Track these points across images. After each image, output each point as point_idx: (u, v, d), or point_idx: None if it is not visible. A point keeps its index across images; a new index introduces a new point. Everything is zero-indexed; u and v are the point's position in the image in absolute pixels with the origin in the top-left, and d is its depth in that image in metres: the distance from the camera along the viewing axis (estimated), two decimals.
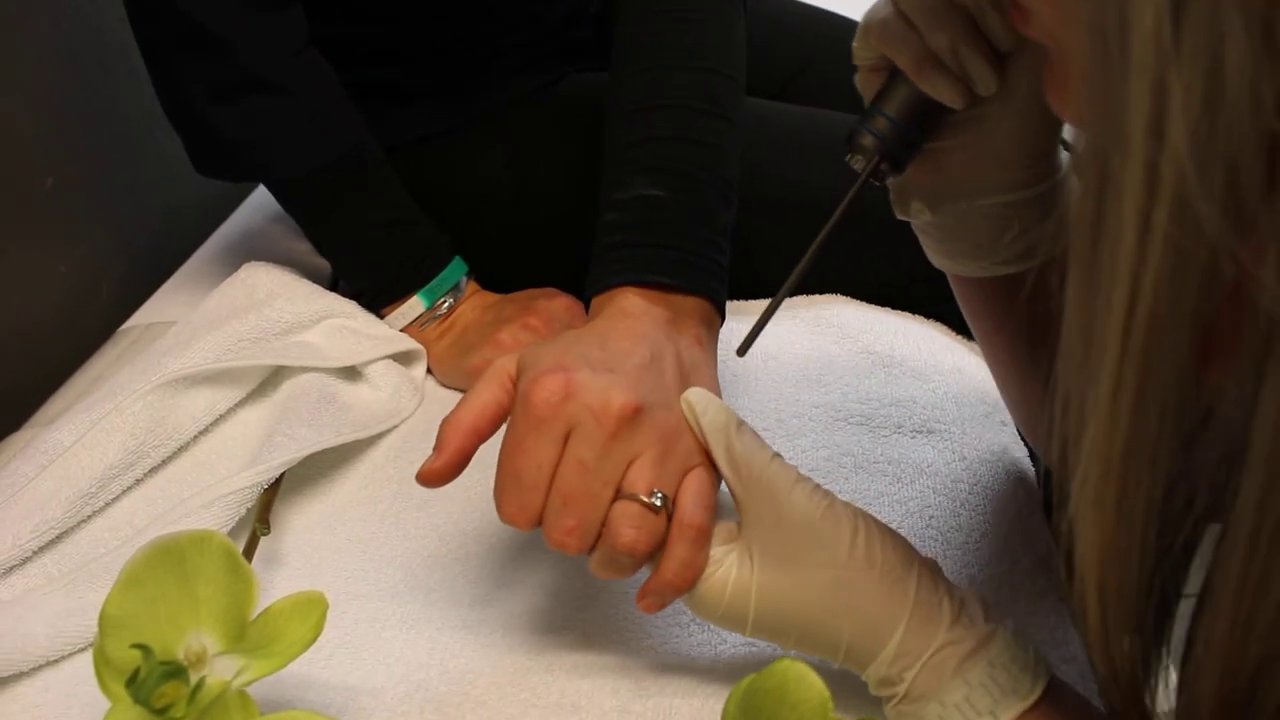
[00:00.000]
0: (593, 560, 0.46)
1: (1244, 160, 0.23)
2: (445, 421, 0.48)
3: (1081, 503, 0.31)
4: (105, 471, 0.62)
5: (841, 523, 0.43)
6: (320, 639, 0.43)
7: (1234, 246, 0.24)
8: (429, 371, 0.76)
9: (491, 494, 0.56)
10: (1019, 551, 0.58)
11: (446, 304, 0.75)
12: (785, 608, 0.43)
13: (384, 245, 0.75)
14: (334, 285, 0.81)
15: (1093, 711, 0.41)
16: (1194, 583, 0.34)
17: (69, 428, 0.64)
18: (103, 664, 0.41)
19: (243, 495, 0.59)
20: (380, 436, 0.69)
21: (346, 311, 0.74)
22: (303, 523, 0.63)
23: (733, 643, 0.53)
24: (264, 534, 0.57)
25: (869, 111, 0.45)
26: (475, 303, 0.76)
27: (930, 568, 0.44)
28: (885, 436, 0.67)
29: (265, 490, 0.60)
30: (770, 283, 0.82)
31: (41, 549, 0.59)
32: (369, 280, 0.76)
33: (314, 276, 0.78)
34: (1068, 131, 0.45)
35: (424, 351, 0.76)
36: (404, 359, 0.75)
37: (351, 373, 0.72)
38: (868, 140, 0.45)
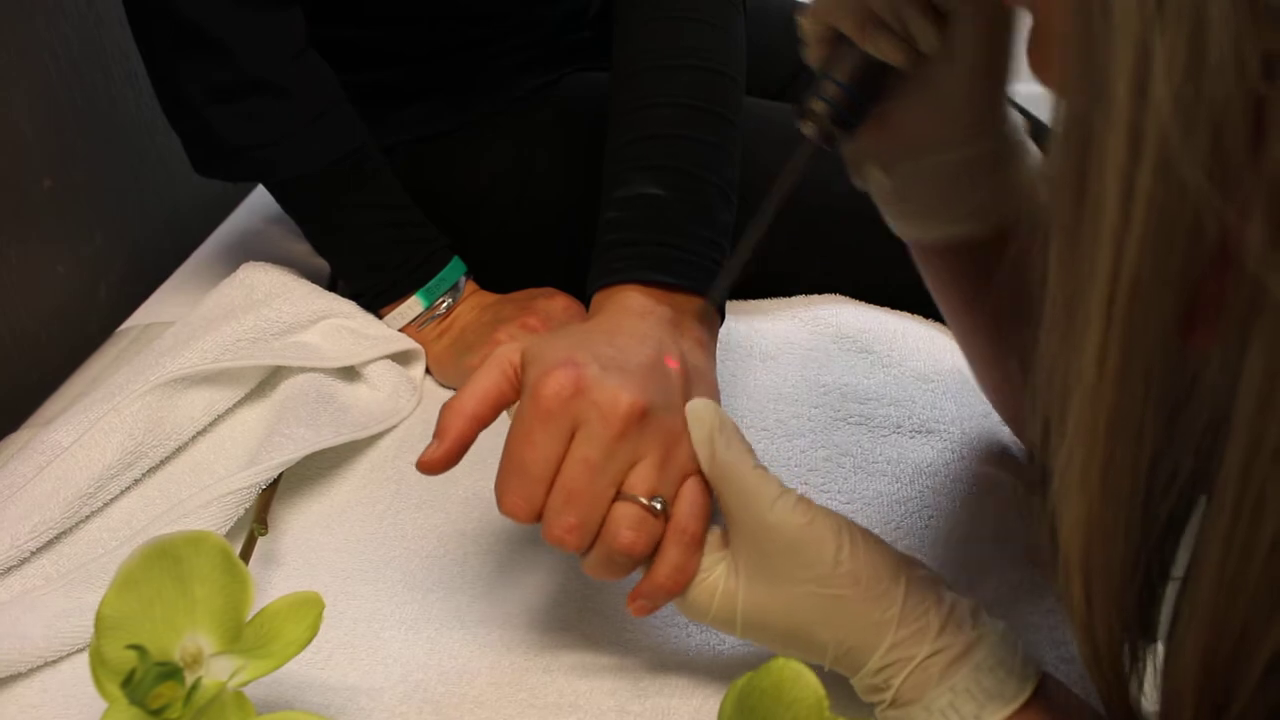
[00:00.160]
0: (588, 559, 0.46)
1: (1228, 122, 0.23)
2: (446, 408, 0.48)
3: (1066, 478, 0.31)
4: (103, 472, 0.61)
5: (824, 538, 0.43)
6: (318, 639, 0.43)
7: (1219, 207, 0.24)
8: (427, 371, 0.76)
9: (488, 496, 0.56)
10: (1017, 551, 0.58)
11: (445, 304, 0.75)
12: (770, 617, 0.44)
13: (383, 246, 0.75)
14: (332, 285, 0.81)
15: (1090, 712, 0.41)
16: (1181, 566, 0.33)
17: (67, 428, 0.64)
18: (99, 665, 0.40)
19: (241, 495, 0.59)
20: (379, 436, 0.69)
21: (345, 311, 0.74)
22: (301, 523, 0.63)
23: (731, 643, 0.53)
24: (261, 534, 0.57)
25: (818, 78, 0.46)
26: (474, 303, 0.76)
27: (920, 575, 0.43)
28: (884, 436, 0.66)
29: (263, 490, 0.60)
30: (771, 282, 0.83)
31: (39, 550, 0.59)
32: (368, 280, 0.76)
33: (313, 277, 0.78)
34: (1035, 99, 0.45)
35: (422, 351, 0.76)
36: (402, 359, 0.75)
37: (350, 373, 0.72)
38: (818, 106, 0.45)
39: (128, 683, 0.39)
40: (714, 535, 0.46)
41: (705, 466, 0.46)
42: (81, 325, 0.88)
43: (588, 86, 0.82)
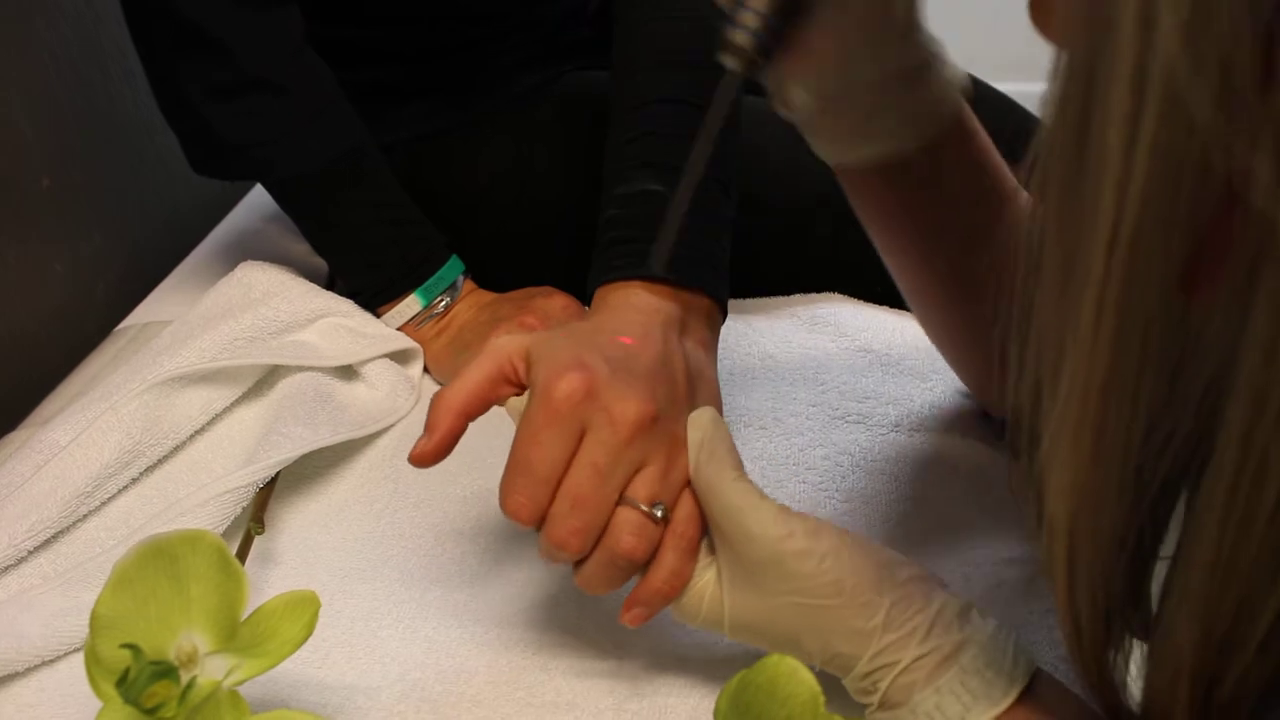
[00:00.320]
0: (586, 564, 0.46)
1: (1238, 57, 0.23)
2: (436, 400, 0.48)
3: (1056, 440, 0.30)
4: (101, 471, 0.61)
5: (804, 550, 0.43)
6: (316, 638, 0.43)
7: (1228, 143, 0.23)
8: (426, 370, 0.76)
9: (485, 494, 0.56)
10: (1016, 550, 0.58)
11: (443, 303, 0.75)
12: (756, 624, 0.44)
13: (381, 244, 0.75)
14: (330, 284, 0.81)
15: (1086, 710, 0.41)
16: (1171, 545, 0.33)
17: (65, 427, 0.64)
18: (94, 664, 0.40)
19: (238, 494, 0.59)
20: (376, 435, 0.69)
21: (343, 310, 0.74)
22: (299, 522, 0.63)
23: (728, 642, 0.52)
24: (258, 533, 0.57)
25: (734, 9, 0.46)
26: (472, 301, 0.76)
27: (909, 576, 0.43)
28: (883, 435, 0.66)
29: (261, 489, 0.60)
30: (772, 280, 0.83)
31: (37, 549, 0.59)
32: (366, 279, 0.76)
33: (311, 276, 0.78)
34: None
35: (420, 350, 0.76)
36: (401, 358, 0.75)
37: (348, 371, 0.72)
38: (739, 37, 0.45)
39: (122, 682, 0.39)
40: (704, 541, 0.47)
41: (691, 477, 0.46)
42: (80, 324, 0.88)
43: (587, 85, 0.82)
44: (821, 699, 0.38)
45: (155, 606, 0.41)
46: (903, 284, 0.58)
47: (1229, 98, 0.23)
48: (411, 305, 0.75)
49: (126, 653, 0.40)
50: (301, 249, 0.87)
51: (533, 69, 0.83)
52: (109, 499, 0.63)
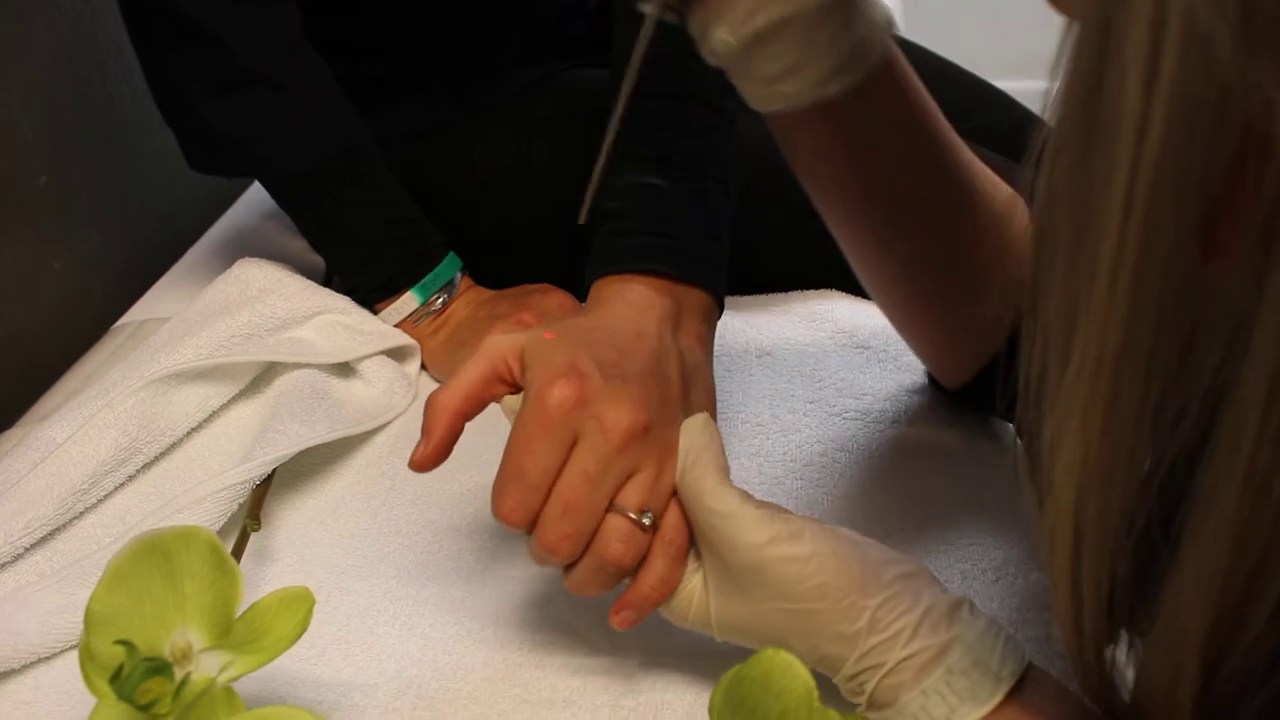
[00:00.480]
0: (576, 569, 0.46)
1: None
2: (432, 402, 0.48)
3: (1067, 416, 0.30)
4: (97, 468, 0.61)
5: (786, 556, 0.43)
6: (312, 635, 0.43)
7: (1249, 76, 0.23)
8: (423, 367, 0.76)
9: (482, 491, 0.56)
10: (1014, 546, 0.58)
11: (440, 300, 0.75)
12: (742, 627, 0.45)
13: (378, 241, 0.75)
14: (328, 281, 0.81)
15: (1081, 708, 0.41)
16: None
17: (61, 424, 0.63)
18: (88, 661, 0.40)
19: (234, 491, 0.59)
20: (374, 432, 0.69)
21: (340, 307, 0.74)
22: (295, 519, 0.63)
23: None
24: (254, 530, 0.57)
25: None
26: (469, 298, 0.76)
27: (898, 575, 0.43)
28: (880, 430, 0.66)
29: (257, 486, 0.60)
30: (772, 277, 0.83)
31: (33, 546, 0.59)
32: (363, 276, 0.76)
33: (308, 273, 0.78)
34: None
35: (418, 347, 0.76)
36: (398, 355, 0.75)
37: (345, 369, 0.72)
38: None
39: (116, 678, 0.39)
40: (694, 546, 0.47)
41: (676, 484, 0.47)
42: (77, 322, 0.88)
43: (586, 82, 0.82)
44: (815, 693, 0.38)
45: (149, 603, 0.41)
46: (848, 253, 0.57)
47: (1250, 31, 0.23)
48: (409, 302, 0.75)
49: (121, 649, 0.40)
50: (299, 246, 0.87)
51: (531, 65, 0.82)
52: (106, 496, 0.63)
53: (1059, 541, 0.33)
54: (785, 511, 0.45)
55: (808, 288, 0.81)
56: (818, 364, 0.73)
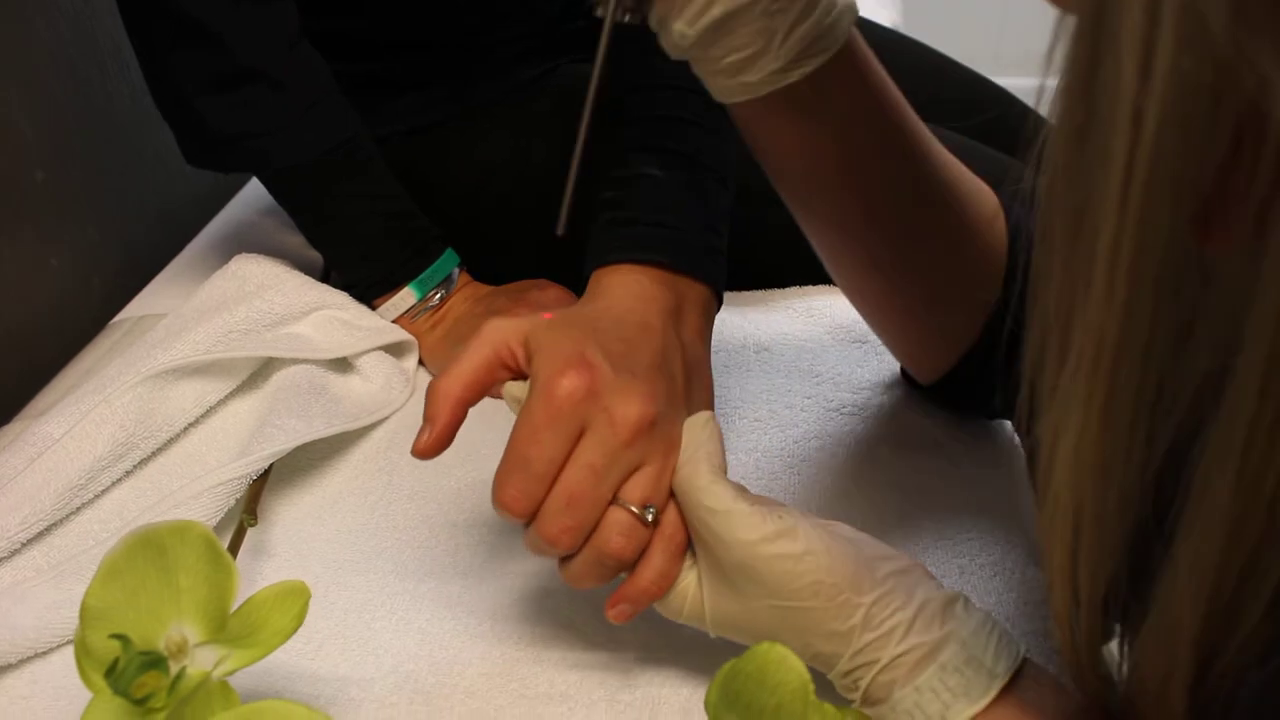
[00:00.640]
0: (574, 561, 0.46)
1: None
2: (434, 389, 0.47)
3: (1066, 407, 0.30)
4: (94, 463, 0.61)
5: (778, 553, 0.42)
6: (309, 629, 0.43)
7: (1245, 51, 0.23)
8: (421, 363, 0.76)
9: (479, 486, 0.56)
10: (1011, 541, 0.57)
11: (438, 295, 0.75)
12: (736, 624, 0.45)
13: (376, 237, 0.75)
14: (325, 277, 0.81)
15: (1075, 704, 0.41)
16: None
17: (58, 420, 0.63)
18: (84, 655, 0.40)
19: (231, 486, 0.59)
20: (371, 428, 0.69)
21: (338, 303, 0.74)
22: (292, 514, 0.62)
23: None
24: (251, 525, 0.57)
25: None
26: (467, 294, 0.76)
27: (892, 571, 0.43)
28: (878, 426, 0.66)
29: (254, 481, 0.60)
30: (770, 273, 0.83)
31: (30, 541, 0.59)
32: (360, 272, 0.76)
33: (305, 269, 0.78)
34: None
35: (415, 343, 0.76)
36: (395, 350, 0.75)
37: (342, 364, 0.72)
38: None
39: (111, 672, 0.39)
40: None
41: (673, 481, 0.47)
42: (75, 318, 0.88)
43: (585, 77, 0.82)
44: (811, 687, 0.38)
45: (144, 597, 0.41)
46: (820, 251, 0.57)
47: (1244, 7, 0.23)
48: (406, 298, 0.75)
49: (116, 644, 0.40)
50: (296, 242, 0.87)
51: (530, 61, 0.82)
52: (103, 491, 0.63)
53: (1057, 537, 0.33)
54: (780, 507, 0.45)
55: (806, 283, 0.81)
56: (815, 359, 0.73)
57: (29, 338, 0.84)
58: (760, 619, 0.43)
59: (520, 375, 0.48)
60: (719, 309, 0.59)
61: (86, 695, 0.41)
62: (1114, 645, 0.37)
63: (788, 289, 0.81)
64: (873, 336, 0.74)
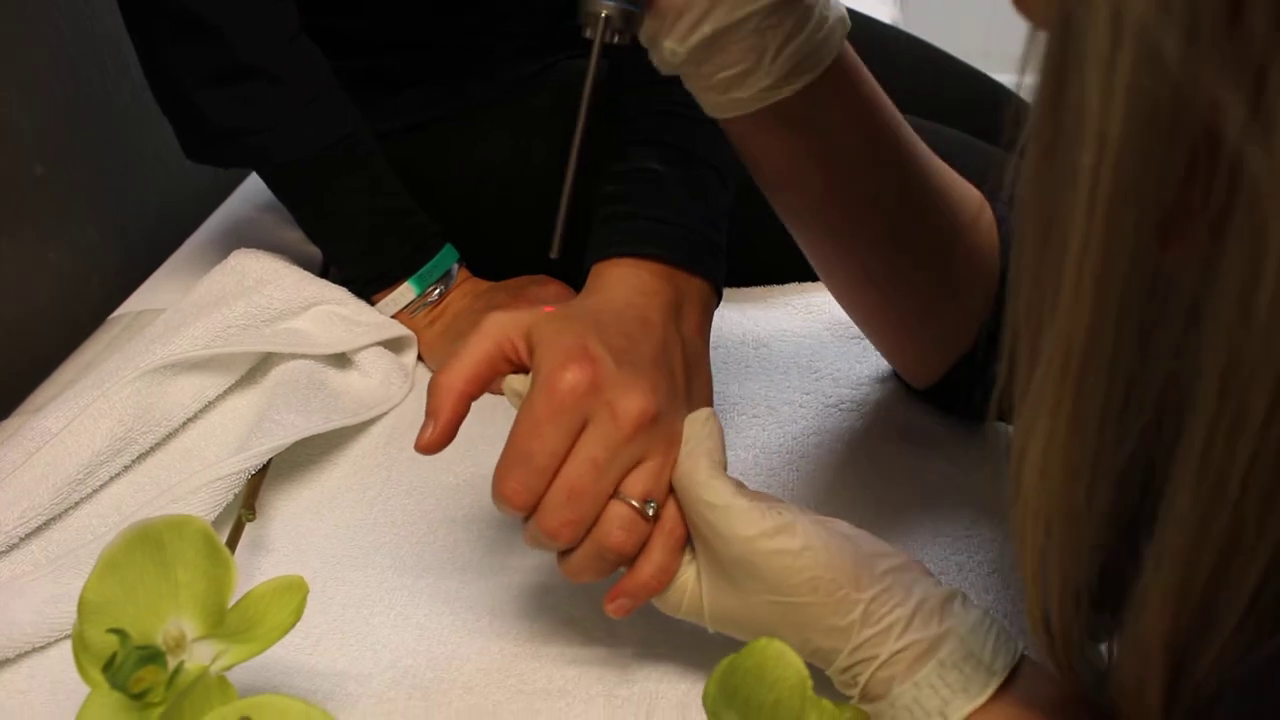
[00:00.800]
0: (573, 554, 0.46)
1: None
2: (436, 383, 0.47)
3: (1036, 411, 0.30)
4: (93, 458, 0.61)
5: (779, 549, 0.42)
6: (307, 625, 0.43)
7: (1201, 80, 0.24)
8: (419, 358, 0.76)
9: (478, 482, 0.55)
10: (1010, 538, 0.57)
11: (437, 291, 0.75)
12: (734, 619, 0.45)
13: (375, 232, 0.75)
14: (324, 272, 0.81)
15: (1075, 701, 0.41)
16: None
17: (57, 414, 0.63)
18: (81, 650, 0.40)
19: (230, 481, 0.59)
20: (370, 423, 0.69)
21: (337, 298, 0.74)
22: (291, 509, 0.62)
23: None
24: (249, 520, 0.57)
25: None
26: (466, 290, 0.76)
27: (890, 567, 0.43)
28: (877, 422, 0.66)
29: (252, 477, 0.60)
30: (773, 271, 0.82)
31: (28, 536, 0.59)
32: (359, 267, 0.76)
33: (304, 264, 0.78)
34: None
35: (414, 338, 0.76)
36: (394, 345, 0.75)
37: (341, 359, 0.72)
38: (599, 8, 0.45)
39: (109, 667, 0.39)
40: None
41: (672, 476, 0.47)
42: (74, 314, 0.88)
43: (582, 73, 0.82)
44: (809, 682, 0.38)
45: (142, 592, 0.41)
46: (814, 262, 0.57)
47: (1197, 35, 0.23)
48: (405, 293, 0.75)
49: (114, 638, 0.40)
50: (295, 237, 0.87)
51: (530, 57, 0.82)
52: (101, 486, 0.63)
53: (1027, 539, 0.33)
54: (779, 503, 0.45)
55: (805, 280, 0.81)
56: (814, 355, 0.73)
57: (28, 333, 0.84)
58: (759, 614, 0.43)
59: (521, 369, 0.48)
60: (718, 305, 0.59)
61: (84, 690, 0.41)
62: (1100, 648, 0.37)
63: (787, 286, 0.81)
64: None
